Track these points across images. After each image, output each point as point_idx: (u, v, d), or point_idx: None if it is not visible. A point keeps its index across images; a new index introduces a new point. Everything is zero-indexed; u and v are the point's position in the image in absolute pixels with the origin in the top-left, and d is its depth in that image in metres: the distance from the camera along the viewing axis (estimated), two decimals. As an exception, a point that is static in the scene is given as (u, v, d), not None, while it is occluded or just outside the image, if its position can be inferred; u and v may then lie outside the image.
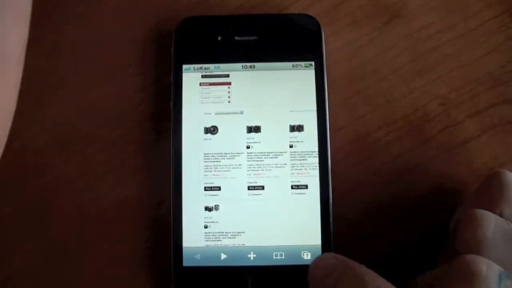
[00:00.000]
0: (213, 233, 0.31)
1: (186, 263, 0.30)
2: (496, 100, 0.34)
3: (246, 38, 0.32)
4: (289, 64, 0.32)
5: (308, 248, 0.30)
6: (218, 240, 0.30)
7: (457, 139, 0.33)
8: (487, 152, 0.33)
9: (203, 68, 0.32)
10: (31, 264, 0.32)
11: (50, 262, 0.32)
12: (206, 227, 0.31)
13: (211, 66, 0.32)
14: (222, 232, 0.31)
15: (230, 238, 0.31)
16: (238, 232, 0.31)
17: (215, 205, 0.31)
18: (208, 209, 0.31)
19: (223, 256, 0.30)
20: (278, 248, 0.30)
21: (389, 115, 0.33)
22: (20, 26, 0.28)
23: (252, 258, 0.30)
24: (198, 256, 0.30)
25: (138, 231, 0.32)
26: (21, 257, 0.32)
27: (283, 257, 0.30)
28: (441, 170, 0.33)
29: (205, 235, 0.31)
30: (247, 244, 0.30)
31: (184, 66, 0.32)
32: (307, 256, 0.30)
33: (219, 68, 0.32)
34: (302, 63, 0.32)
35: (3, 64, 0.27)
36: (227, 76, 0.32)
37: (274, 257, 0.30)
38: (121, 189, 0.33)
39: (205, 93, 0.32)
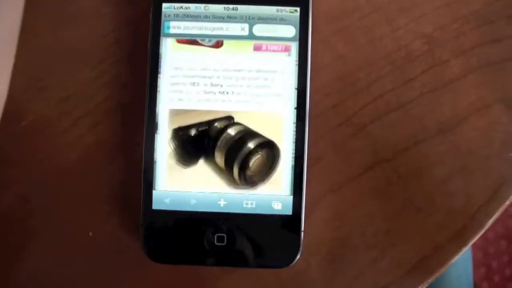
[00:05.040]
0: (183, 177, 0.25)
1: (155, 206, 0.24)
2: (483, 40, 0.26)
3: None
4: (274, 8, 0.25)
5: (279, 198, 0.24)
6: (188, 185, 0.25)
7: (441, 80, 0.26)
8: (473, 93, 0.26)
9: (183, 7, 0.25)
10: (11, 211, 0.26)
11: (28, 207, 0.26)
12: (177, 171, 0.25)
13: (192, 6, 0.25)
14: (194, 177, 0.25)
15: (201, 183, 0.24)
16: (209, 178, 0.24)
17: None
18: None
19: (193, 201, 0.24)
20: (249, 196, 0.24)
21: (370, 54, 0.26)
22: (14, 14, 0.24)
23: (222, 205, 0.24)
24: (167, 200, 0.24)
25: (113, 173, 0.26)
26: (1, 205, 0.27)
27: (254, 206, 0.24)
28: (424, 111, 0.26)
29: (176, 179, 0.25)
30: (218, 191, 0.24)
31: (164, 5, 0.25)
32: (277, 206, 0.24)
33: (200, 8, 0.25)
34: (287, 8, 0.25)
35: None
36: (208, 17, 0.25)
37: (244, 205, 0.24)
38: (97, 131, 0.26)
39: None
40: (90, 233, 0.26)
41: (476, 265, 0.76)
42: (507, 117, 0.26)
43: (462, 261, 0.48)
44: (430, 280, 0.26)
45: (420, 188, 0.26)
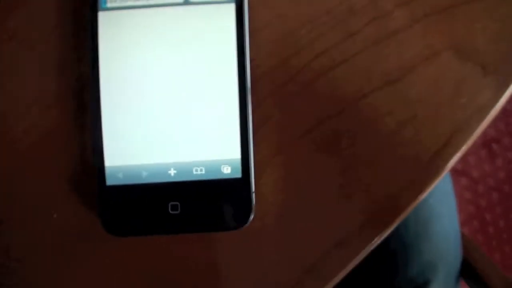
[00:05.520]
0: (134, 151, 0.24)
1: (109, 182, 0.24)
2: (428, -14, 0.26)
3: None
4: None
5: (227, 162, 0.24)
6: (139, 158, 0.24)
7: (385, 31, 0.25)
8: (420, 42, 0.25)
9: None
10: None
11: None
12: (126, 146, 0.24)
13: None
14: (143, 150, 0.24)
15: (150, 155, 0.24)
16: (157, 149, 0.24)
17: (133, 124, 0.24)
18: (127, 128, 0.24)
19: (144, 174, 0.24)
20: (198, 163, 0.24)
21: (311, 11, 0.25)
22: None
23: (172, 174, 0.24)
24: (120, 175, 0.24)
25: (71, 154, 0.26)
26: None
27: (203, 172, 0.24)
28: (369, 63, 0.25)
29: (126, 154, 0.24)
30: (167, 161, 0.24)
31: None
32: (226, 170, 0.24)
33: None
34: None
35: None
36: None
37: (194, 172, 0.24)
38: (51, 115, 0.26)
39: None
40: (55, 215, 0.26)
41: (468, 219, 0.76)
42: (457, 63, 0.26)
43: (448, 217, 0.47)
44: (388, 230, 0.26)
45: (371, 140, 0.25)
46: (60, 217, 0.26)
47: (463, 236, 0.48)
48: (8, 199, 0.26)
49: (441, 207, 0.46)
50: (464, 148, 0.26)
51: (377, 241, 0.25)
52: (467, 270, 0.47)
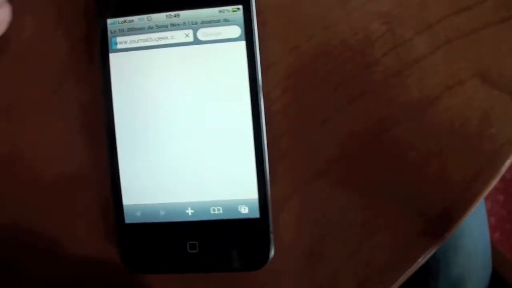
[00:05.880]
0: (151, 190, 0.24)
1: (127, 220, 0.24)
2: (449, 10, 0.24)
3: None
4: (216, 10, 0.23)
5: (245, 202, 0.24)
6: (156, 197, 0.24)
7: (406, 60, 0.24)
8: (444, 70, 0.24)
9: (127, 21, 0.24)
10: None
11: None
12: (143, 184, 0.24)
13: (135, 18, 0.24)
14: (160, 189, 0.24)
15: (168, 194, 0.24)
16: (174, 188, 0.24)
17: (149, 164, 0.24)
18: (144, 168, 0.24)
19: (162, 212, 0.24)
20: (215, 203, 0.24)
21: (325, 42, 0.24)
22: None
23: (190, 214, 0.24)
24: (138, 213, 0.24)
25: (91, 196, 0.26)
26: None
27: (221, 212, 0.24)
28: (390, 96, 0.24)
29: (143, 193, 0.24)
30: (184, 200, 0.24)
31: (109, 21, 0.24)
32: (244, 210, 0.24)
33: (143, 19, 0.24)
34: (229, 8, 0.23)
35: None
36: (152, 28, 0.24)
37: (211, 212, 0.24)
38: (70, 152, 0.26)
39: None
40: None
41: (501, 222, 0.73)
42: (484, 90, 0.24)
43: (478, 228, 0.45)
44: (414, 268, 0.25)
45: (394, 176, 0.24)
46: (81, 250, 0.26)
47: (493, 247, 0.46)
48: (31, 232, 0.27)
49: (471, 219, 0.44)
50: (495, 181, 0.25)
51: (402, 279, 0.25)
52: (497, 283, 0.45)
